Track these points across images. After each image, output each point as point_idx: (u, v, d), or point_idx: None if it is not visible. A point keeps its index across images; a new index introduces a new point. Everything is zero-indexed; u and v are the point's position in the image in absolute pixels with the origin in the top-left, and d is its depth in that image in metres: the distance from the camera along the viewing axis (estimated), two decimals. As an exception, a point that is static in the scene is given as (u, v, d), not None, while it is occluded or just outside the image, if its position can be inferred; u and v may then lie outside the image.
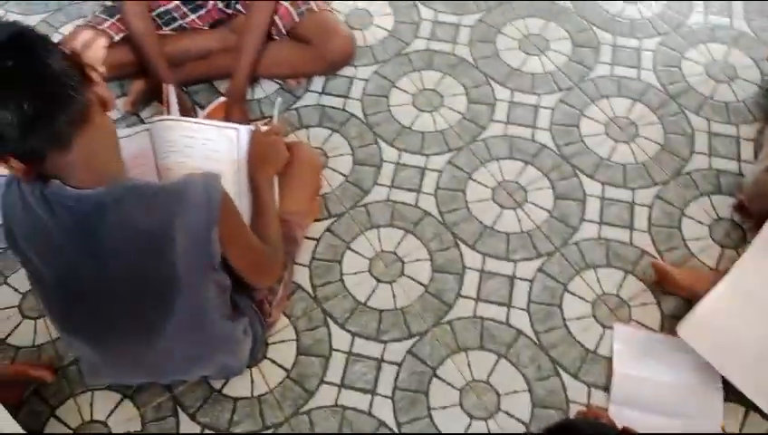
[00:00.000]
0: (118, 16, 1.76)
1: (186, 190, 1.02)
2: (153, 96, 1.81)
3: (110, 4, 1.87)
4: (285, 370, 1.47)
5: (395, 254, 1.63)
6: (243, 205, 1.38)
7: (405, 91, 1.91)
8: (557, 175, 1.73)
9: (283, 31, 1.81)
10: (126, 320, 1.13)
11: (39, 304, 1.55)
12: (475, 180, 1.73)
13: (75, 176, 0.98)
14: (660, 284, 1.53)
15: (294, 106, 1.88)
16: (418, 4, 2.09)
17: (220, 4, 1.85)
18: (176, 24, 1.84)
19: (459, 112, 1.86)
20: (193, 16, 1.85)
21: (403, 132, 1.83)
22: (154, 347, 1.19)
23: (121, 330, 1.15)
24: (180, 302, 1.10)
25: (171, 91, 1.64)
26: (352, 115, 1.86)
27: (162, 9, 1.81)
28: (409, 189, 1.72)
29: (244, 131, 1.41)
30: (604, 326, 1.51)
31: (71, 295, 1.10)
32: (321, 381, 1.45)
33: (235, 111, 1.74)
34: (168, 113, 1.58)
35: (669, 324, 1.49)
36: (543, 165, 1.75)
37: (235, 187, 1.39)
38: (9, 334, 1.56)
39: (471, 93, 1.89)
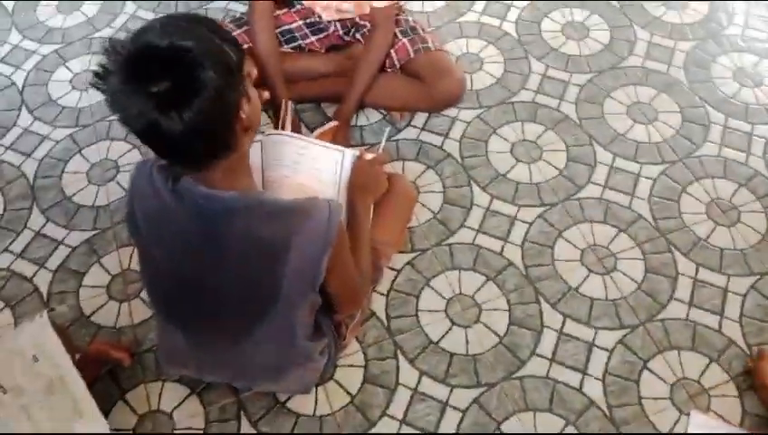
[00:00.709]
0: (245, 28, 1.85)
1: (311, 212, 1.05)
2: (264, 108, 1.88)
3: (239, 14, 1.96)
4: (350, 395, 1.47)
5: (473, 299, 1.62)
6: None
7: (505, 139, 1.92)
8: (650, 247, 1.69)
9: (397, 65, 1.86)
10: (222, 317, 1.16)
11: (140, 283, 1.64)
12: (564, 239, 1.71)
13: (208, 182, 1.02)
14: (747, 373, 1.47)
15: (394, 138, 1.92)
16: (530, 57, 2.10)
17: (340, 31, 1.92)
18: (295, 44, 1.91)
19: (557, 168, 1.85)
20: (312, 39, 1.92)
21: (497, 179, 1.83)
22: (239, 349, 1.21)
23: (215, 325, 1.19)
24: (274, 313, 1.12)
25: (289, 108, 1.69)
26: (449, 155, 1.88)
27: (285, 28, 1.89)
28: (497, 237, 1.71)
29: (348, 155, 1.45)
30: (681, 411, 1.44)
31: (178, 282, 1.14)
32: (384, 414, 1.45)
33: (339, 134, 1.78)
34: (282, 128, 1.63)
35: (750, 422, 1.42)
36: (638, 235, 1.71)
37: None
38: (94, 312, 1.62)
39: (571, 151, 1.88)
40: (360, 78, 1.81)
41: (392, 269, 1.65)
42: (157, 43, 0.88)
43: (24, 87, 2.11)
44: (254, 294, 1.11)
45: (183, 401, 1.48)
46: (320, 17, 1.89)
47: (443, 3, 2.27)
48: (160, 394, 1.49)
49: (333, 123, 1.80)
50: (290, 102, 1.74)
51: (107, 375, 1.51)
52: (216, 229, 1.03)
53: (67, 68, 2.16)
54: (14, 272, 1.70)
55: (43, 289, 1.66)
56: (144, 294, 1.63)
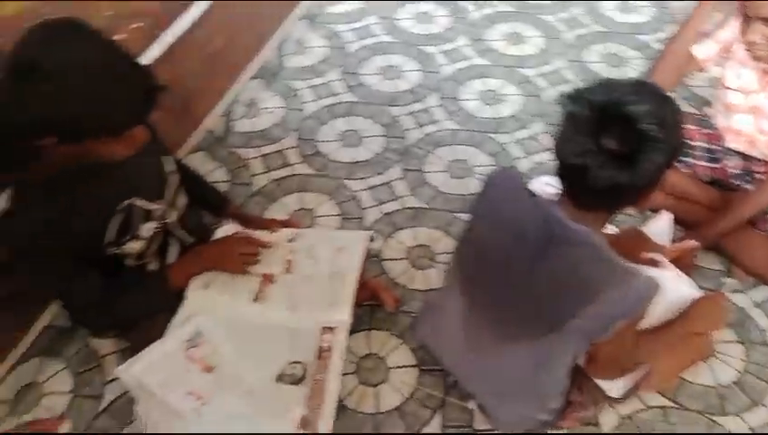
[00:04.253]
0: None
1: (631, 279, 1.07)
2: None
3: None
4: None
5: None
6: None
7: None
8: None
9: (768, 228, 1.75)
10: (507, 313, 1.24)
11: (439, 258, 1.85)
12: None
13: (568, 210, 1.12)
14: None
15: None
16: None
17: (731, 169, 1.86)
18: (686, 159, 1.89)
19: None
20: (702, 163, 1.90)
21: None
22: (496, 348, 1.29)
23: (497, 316, 1.27)
24: (546, 341, 1.18)
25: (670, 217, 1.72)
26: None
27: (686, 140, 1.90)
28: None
29: (695, 294, 1.45)
30: None
31: (493, 264, 1.23)
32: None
33: (686, 258, 1.71)
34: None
35: None
36: None
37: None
38: (391, 260, 1.88)
39: None
40: (729, 218, 1.74)
41: (641, 401, 1.57)
42: (642, 120, 0.97)
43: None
44: (545, 314, 1.16)
45: (405, 366, 1.63)
46: (721, 146, 1.87)
47: None
48: (394, 349, 1.67)
49: (692, 243, 1.72)
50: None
51: (367, 307, 1.74)
52: (552, 246, 1.12)
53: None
54: (355, 199, 2.06)
55: (368, 222, 1.98)
56: (435, 271, 1.84)
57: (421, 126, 2.31)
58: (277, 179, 2.12)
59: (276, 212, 2.01)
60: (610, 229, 1.60)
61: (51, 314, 1.66)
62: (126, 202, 1.27)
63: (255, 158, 2.20)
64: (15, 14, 1.28)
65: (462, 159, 2.19)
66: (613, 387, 1.37)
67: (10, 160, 1.17)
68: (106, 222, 1.25)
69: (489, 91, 2.45)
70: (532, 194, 1.17)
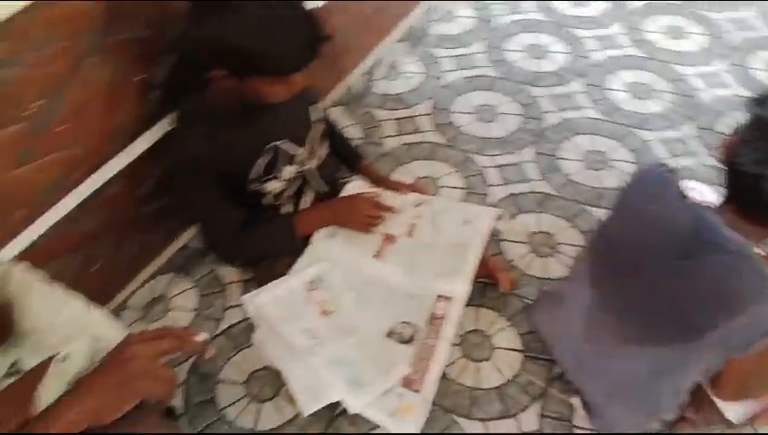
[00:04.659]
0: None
1: None
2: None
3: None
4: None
5: None
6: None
7: None
8: None
9: None
10: (640, 312, 1.19)
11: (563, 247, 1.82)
12: None
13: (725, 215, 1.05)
14: None
15: None
16: None
17: None
18: None
19: None
20: None
21: None
22: (613, 352, 1.25)
23: (621, 316, 1.23)
24: (680, 349, 1.12)
25: None
26: None
27: None
28: None
29: None
30: None
31: (633, 260, 1.18)
32: None
33: None
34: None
35: None
36: None
37: None
38: (513, 242, 1.86)
39: None
40: None
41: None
42: None
43: (596, 65, 2.41)
44: (684, 321, 1.10)
45: (510, 350, 1.62)
46: None
47: None
48: (501, 330, 1.66)
49: None
50: None
51: (480, 284, 1.73)
52: (700, 251, 1.05)
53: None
54: (482, 175, 2.04)
55: (492, 200, 1.96)
56: (554, 260, 1.81)
57: (561, 110, 2.24)
58: (407, 144, 2.14)
59: (402, 176, 2.03)
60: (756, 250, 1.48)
61: (189, 235, 1.79)
62: (275, 143, 1.34)
63: (389, 120, 2.22)
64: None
65: (600, 150, 2.11)
66: (732, 410, 1.29)
67: (181, 86, 1.26)
68: (255, 159, 1.32)
69: (639, 84, 2.33)
70: (684, 195, 1.10)
